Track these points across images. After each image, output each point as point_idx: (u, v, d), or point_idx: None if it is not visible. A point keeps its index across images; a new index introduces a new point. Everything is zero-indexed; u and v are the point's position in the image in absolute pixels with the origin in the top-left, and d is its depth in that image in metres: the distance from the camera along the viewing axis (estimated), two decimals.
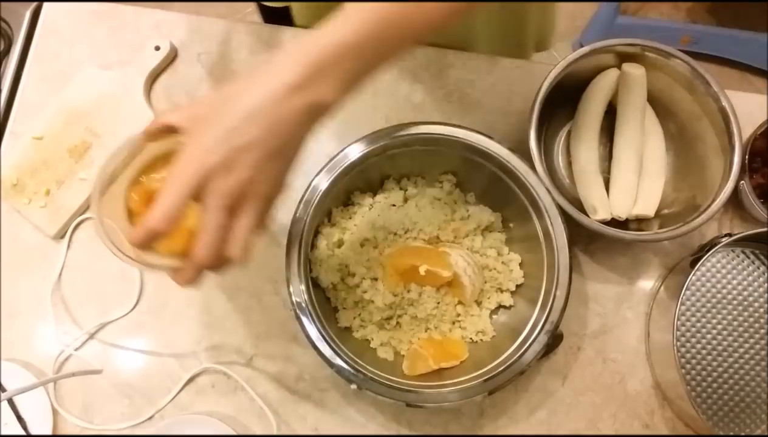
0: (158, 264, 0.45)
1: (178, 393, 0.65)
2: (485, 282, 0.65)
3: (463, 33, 0.76)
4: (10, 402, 0.63)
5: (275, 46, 0.74)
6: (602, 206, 0.67)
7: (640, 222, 0.69)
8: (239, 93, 0.38)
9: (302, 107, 0.38)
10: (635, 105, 0.68)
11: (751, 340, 0.66)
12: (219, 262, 0.41)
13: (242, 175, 0.38)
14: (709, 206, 0.62)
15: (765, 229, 0.63)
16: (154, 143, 0.45)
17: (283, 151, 0.39)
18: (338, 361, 0.56)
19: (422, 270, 0.60)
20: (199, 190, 0.38)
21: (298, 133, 0.39)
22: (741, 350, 0.66)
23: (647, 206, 0.68)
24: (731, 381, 0.65)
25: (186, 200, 0.38)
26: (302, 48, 0.38)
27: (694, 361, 0.66)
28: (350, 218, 0.66)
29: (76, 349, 0.66)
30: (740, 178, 0.64)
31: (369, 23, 0.38)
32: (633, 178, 0.68)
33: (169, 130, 0.42)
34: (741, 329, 0.66)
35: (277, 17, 0.80)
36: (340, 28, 0.38)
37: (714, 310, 0.67)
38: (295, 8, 0.76)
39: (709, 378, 0.65)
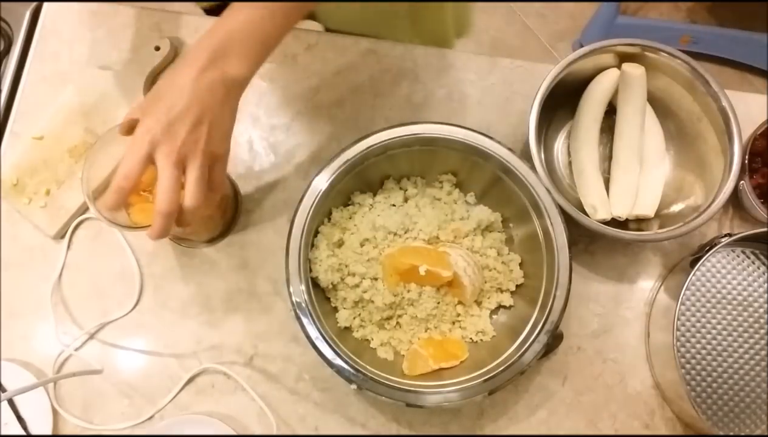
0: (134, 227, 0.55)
1: (178, 393, 0.65)
2: (485, 282, 0.65)
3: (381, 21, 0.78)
4: (10, 402, 0.63)
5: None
6: (602, 206, 0.67)
7: (640, 222, 0.69)
8: (170, 81, 0.49)
9: (212, 82, 0.48)
10: (635, 105, 0.68)
11: (751, 340, 0.66)
12: (176, 208, 0.49)
13: (180, 136, 0.48)
14: (709, 206, 0.63)
15: (765, 229, 0.63)
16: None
17: (207, 115, 0.48)
18: (338, 361, 0.56)
19: (422, 270, 0.60)
20: (151, 154, 0.47)
21: (216, 101, 0.49)
22: (741, 350, 0.66)
23: (647, 206, 0.68)
24: (731, 381, 0.65)
25: (142, 162, 0.47)
26: (207, 37, 0.48)
27: (694, 361, 0.66)
28: (350, 218, 0.66)
29: (76, 349, 0.66)
30: (740, 178, 0.64)
31: (253, 11, 0.49)
32: (633, 178, 0.68)
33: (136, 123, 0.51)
34: (741, 329, 0.66)
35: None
36: (232, 17, 0.49)
37: (714, 310, 0.67)
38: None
39: (709, 378, 0.65)
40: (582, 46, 0.67)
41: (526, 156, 0.63)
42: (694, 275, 0.63)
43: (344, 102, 0.73)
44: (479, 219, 0.65)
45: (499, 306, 0.66)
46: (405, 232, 0.65)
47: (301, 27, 0.77)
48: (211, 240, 0.68)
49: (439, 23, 0.81)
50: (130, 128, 0.50)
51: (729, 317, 0.67)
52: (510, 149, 0.62)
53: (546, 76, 0.65)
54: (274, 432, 0.63)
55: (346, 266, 0.63)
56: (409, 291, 0.62)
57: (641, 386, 0.67)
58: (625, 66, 0.68)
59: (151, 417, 0.64)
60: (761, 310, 0.67)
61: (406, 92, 0.74)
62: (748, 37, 1.57)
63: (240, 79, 0.50)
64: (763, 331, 0.66)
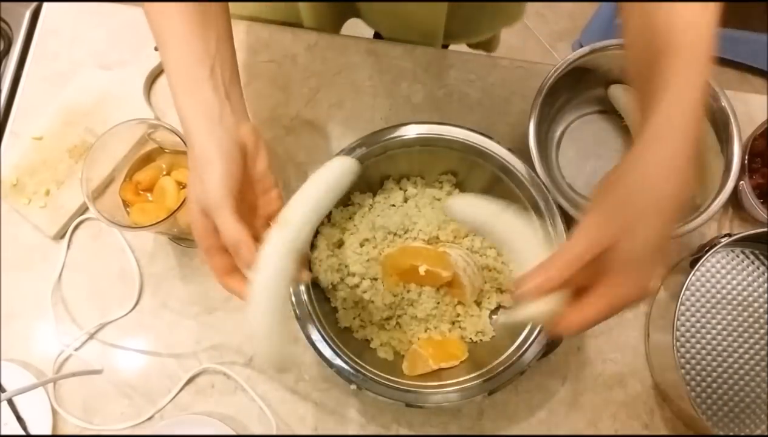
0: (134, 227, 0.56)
1: (178, 393, 0.65)
2: (485, 283, 0.65)
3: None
4: (10, 402, 0.63)
5: (275, 47, 0.74)
6: None
7: None
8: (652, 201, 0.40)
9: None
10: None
11: (751, 340, 0.66)
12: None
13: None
14: (709, 206, 0.63)
15: (765, 229, 0.63)
16: (137, 146, 0.58)
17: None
18: (338, 361, 0.56)
19: (422, 270, 0.60)
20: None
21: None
22: (741, 350, 0.66)
23: None
24: (731, 381, 0.65)
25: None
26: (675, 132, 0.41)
27: (693, 361, 0.66)
28: (350, 218, 0.66)
29: (76, 349, 0.66)
30: (740, 178, 0.64)
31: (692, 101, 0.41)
32: None
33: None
34: (741, 329, 0.66)
35: None
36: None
37: (714, 310, 0.67)
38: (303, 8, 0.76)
39: (709, 378, 0.65)
40: (582, 46, 0.67)
41: (525, 156, 0.63)
42: (693, 275, 0.63)
43: (344, 102, 0.73)
44: None
45: (499, 307, 0.66)
46: (405, 232, 0.65)
47: (351, 34, 0.77)
48: None
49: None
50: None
51: (729, 317, 0.67)
52: (510, 149, 0.62)
53: (546, 76, 0.65)
54: (274, 432, 0.63)
55: (346, 266, 0.63)
56: (408, 291, 0.62)
57: (641, 386, 0.67)
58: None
59: (151, 417, 0.64)
60: (761, 310, 0.67)
61: (406, 92, 0.74)
62: (748, 37, 1.57)
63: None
64: (763, 331, 0.66)
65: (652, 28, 0.44)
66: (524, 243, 0.47)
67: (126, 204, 0.58)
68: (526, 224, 0.48)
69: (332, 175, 0.48)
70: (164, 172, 0.60)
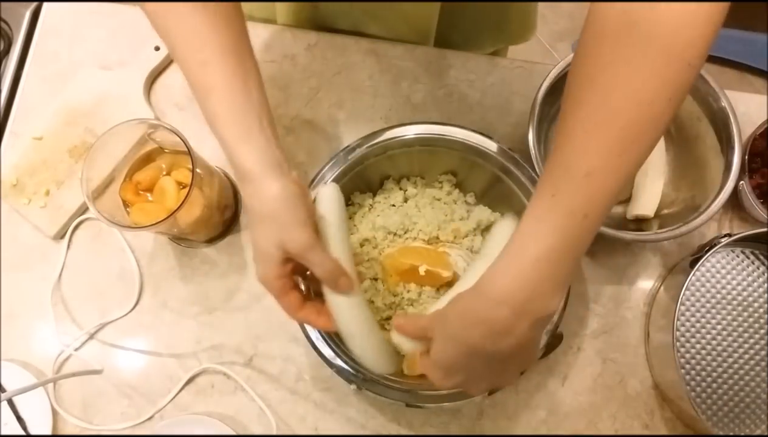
0: (134, 227, 0.57)
1: (178, 393, 0.65)
2: None
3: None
4: (10, 402, 0.63)
5: (275, 47, 0.74)
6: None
7: (639, 223, 0.69)
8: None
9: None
10: None
11: (751, 340, 0.66)
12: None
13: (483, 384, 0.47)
14: (709, 206, 0.63)
15: (765, 229, 0.63)
16: (137, 146, 0.58)
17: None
18: (338, 361, 0.56)
19: (422, 270, 0.60)
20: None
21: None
22: (741, 350, 0.66)
23: (647, 206, 0.68)
24: (731, 381, 0.65)
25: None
26: (500, 292, 0.41)
27: (693, 361, 0.66)
28: (350, 218, 0.66)
29: (76, 349, 0.66)
30: (740, 178, 0.64)
31: (554, 227, 0.39)
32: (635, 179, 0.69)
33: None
34: (741, 329, 0.66)
35: None
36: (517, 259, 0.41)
37: (714, 310, 0.67)
38: (279, 8, 0.76)
39: (709, 378, 0.65)
40: None
41: (526, 156, 0.63)
42: (693, 275, 0.63)
43: (344, 102, 0.73)
44: (479, 220, 0.65)
45: None
46: (405, 232, 0.65)
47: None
48: (211, 240, 0.68)
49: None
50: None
51: (729, 317, 0.67)
52: (510, 149, 0.62)
53: (546, 76, 0.65)
54: (274, 432, 0.63)
55: None
56: (408, 291, 0.62)
57: (641, 386, 0.67)
58: None
59: (151, 417, 0.64)
60: (761, 310, 0.67)
61: (406, 92, 0.74)
62: (748, 37, 1.57)
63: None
64: (763, 331, 0.66)
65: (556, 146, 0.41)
66: None
67: (126, 204, 0.58)
68: None
69: (336, 203, 0.52)
70: (164, 172, 0.60)
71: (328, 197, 0.52)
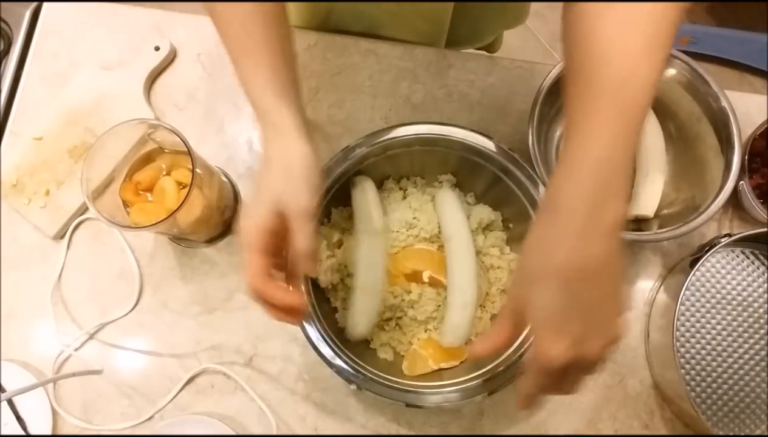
0: (134, 227, 0.57)
1: (178, 393, 0.65)
2: (491, 286, 0.65)
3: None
4: (10, 402, 0.63)
5: None
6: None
7: (639, 223, 0.69)
8: (558, 247, 0.39)
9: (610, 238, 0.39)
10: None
11: (751, 340, 0.66)
12: None
13: (596, 342, 0.40)
14: (709, 206, 0.63)
15: (764, 229, 0.63)
16: (137, 146, 0.58)
17: (617, 280, 0.41)
18: (338, 361, 0.56)
19: (425, 276, 0.61)
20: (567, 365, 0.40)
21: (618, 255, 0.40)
22: (741, 350, 0.66)
23: (647, 206, 0.68)
24: (731, 381, 0.65)
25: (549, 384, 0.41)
26: (579, 196, 0.39)
27: (693, 361, 0.66)
28: (350, 218, 0.66)
29: (76, 349, 0.66)
30: (740, 178, 0.64)
31: (612, 127, 0.39)
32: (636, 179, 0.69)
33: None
34: (741, 329, 0.66)
35: None
36: (595, 158, 0.39)
37: (714, 310, 0.67)
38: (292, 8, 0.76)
39: (709, 378, 0.65)
40: None
41: (526, 156, 0.63)
42: (693, 275, 0.63)
43: (344, 102, 0.73)
44: (480, 218, 0.65)
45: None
46: (407, 230, 0.65)
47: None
48: (211, 240, 0.68)
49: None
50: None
51: (729, 317, 0.67)
52: (510, 149, 0.62)
53: (546, 76, 0.65)
54: (274, 432, 0.63)
55: (346, 267, 0.63)
56: (409, 292, 0.62)
57: (641, 386, 0.67)
58: None
59: (151, 417, 0.64)
60: (761, 310, 0.67)
61: (405, 92, 0.74)
62: (748, 37, 1.57)
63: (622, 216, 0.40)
64: (763, 331, 0.66)
65: (589, 50, 0.40)
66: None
67: (126, 204, 0.58)
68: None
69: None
70: (164, 172, 0.60)
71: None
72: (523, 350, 0.57)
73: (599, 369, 0.41)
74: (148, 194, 0.59)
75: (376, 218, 0.62)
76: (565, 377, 0.41)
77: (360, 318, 0.60)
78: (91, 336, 0.66)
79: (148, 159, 0.60)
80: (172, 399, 0.64)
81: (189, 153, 0.54)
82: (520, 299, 0.42)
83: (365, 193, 0.63)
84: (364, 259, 0.60)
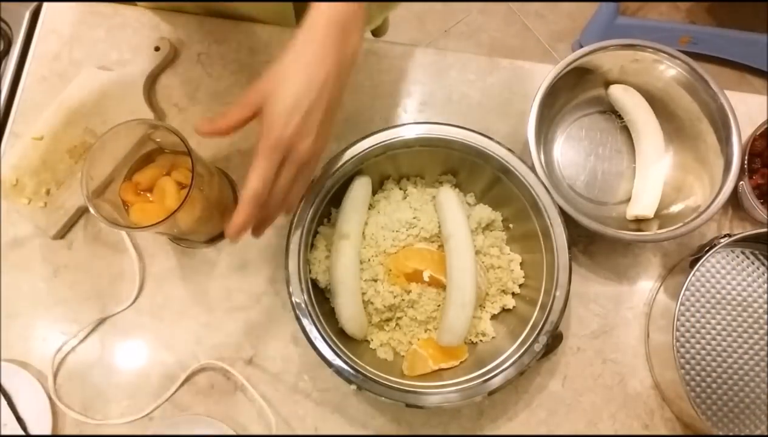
0: (133, 227, 0.57)
1: (176, 392, 0.65)
2: (491, 286, 0.65)
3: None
4: (10, 402, 0.63)
5: (275, 47, 0.74)
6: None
7: (639, 223, 0.69)
8: (291, 66, 0.47)
9: (343, 63, 0.48)
10: (643, 118, 0.70)
11: (751, 340, 0.66)
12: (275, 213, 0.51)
13: (311, 135, 0.48)
14: (709, 206, 0.63)
15: (764, 230, 0.63)
16: (137, 146, 0.58)
17: (339, 99, 0.50)
18: (338, 361, 0.56)
19: (426, 276, 0.60)
20: (286, 153, 0.47)
21: (343, 82, 0.50)
22: (741, 350, 0.66)
23: (647, 206, 0.68)
24: (731, 381, 0.65)
25: (276, 165, 0.48)
26: (326, 14, 0.47)
27: (693, 361, 0.66)
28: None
29: (76, 350, 0.66)
30: (740, 178, 0.64)
31: None
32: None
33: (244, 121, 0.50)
34: (741, 329, 0.66)
35: None
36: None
37: (714, 311, 0.67)
38: None
39: (709, 379, 0.65)
40: (582, 46, 0.67)
41: (525, 156, 0.63)
42: (693, 275, 0.63)
43: (344, 102, 0.73)
44: (480, 218, 0.65)
45: (503, 310, 0.66)
46: (406, 230, 0.65)
47: None
48: (211, 241, 0.68)
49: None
50: (234, 127, 0.49)
51: (729, 317, 0.67)
52: (510, 149, 0.62)
53: (545, 76, 0.65)
54: (274, 432, 0.63)
55: None
56: (409, 292, 0.62)
57: (641, 386, 0.67)
58: (613, 88, 0.70)
59: (150, 417, 0.64)
60: (761, 310, 0.67)
61: (406, 92, 0.74)
62: (748, 38, 1.57)
63: (359, 50, 0.50)
64: (762, 331, 0.66)
65: None
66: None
67: (126, 204, 0.58)
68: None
69: (361, 191, 0.64)
70: (164, 172, 0.60)
71: (359, 185, 0.63)
72: (523, 350, 0.57)
73: (307, 172, 0.51)
74: (148, 194, 0.59)
75: (348, 222, 0.61)
76: (280, 174, 0.48)
77: (345, 322, 0.61)
78: (90, 334, 0.66)
79: (148, 159, 0.60)
80: (171, 399, 0.64)
81: (189, 153, 0.54)
82: (265, 93, 0.47)
83: (350, 196, 0.63)
84: (334, 263, 0.60)
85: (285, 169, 0.48)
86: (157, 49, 0.72)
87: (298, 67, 0.46)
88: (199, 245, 0.68)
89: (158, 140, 0.59)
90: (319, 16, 0.46)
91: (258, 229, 0.54)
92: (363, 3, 0.47)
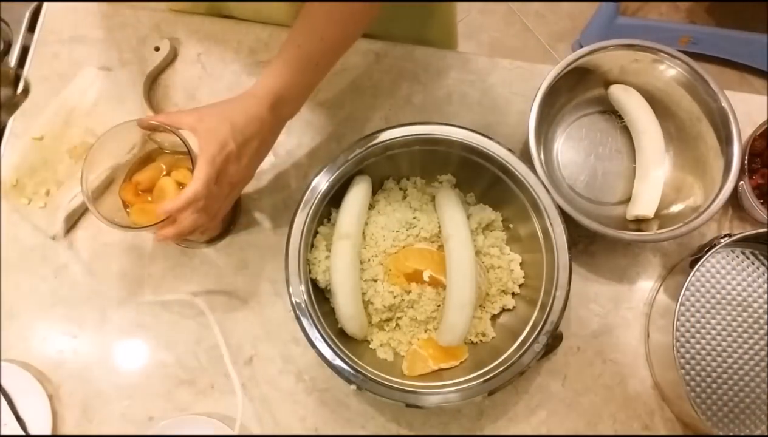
0: (133, 227, 0.57)
1: (178, 393, 0.65)
2: (491, 286, 0.65)
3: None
4: (10, 402, 0.63)
5: (275, 47, 0.74)
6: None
7: (639, 223, 0.69)
8: (241, 109, 0.54)
9: (275, 119, 0.56)
10: (642, 118, 0.70)
11: (751, 340, 0.66)
12: (201, 228, 0.54)
13: (245, 159, 0.54)
14: (709, 206, 0.63)
15: (764, 230, 0.63)
16: (137, 147, 0.59)
17: (264, 145, 0.56)
18: (338, 361, 0.56)
19: (426, 276, 0.60)
20: (220, 172, 0.52)
21: (272, 135, 0.58)
22: (741, 350, 0.66)
23: (647, 206, 0.68)
24: (731, 382, 0.65)
25: (212, 181, 0.52)
26: (265, 86, 0.55)
27: (693, 361, 0.66)
28: None
29: (76, 349, 0.66)
30: (740, 178, 0.64)
31: (292, 66, 0.55)
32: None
33: (166, 128, 0.54)
34: (741, 329, 0.66)
35: None
36: (274, 77, 0.55)
37: (714, 310, 0.67)
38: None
39: (709, 379, 0.65)
40: (582, 46, 0.67)
41: (525, 156, 0.63)
42: (693, 275, 0.63)
43: (344, 102, 0.73)
44: (480, 218, 0.65)
45: (503, 310, 0.66)
46: (406, 230, 0.65)
47: None
48: (211, 241, 0.68)
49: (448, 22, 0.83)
50: (154, 127, 0.55)
51: (729, 317, 0.67)
52: (510, 149, 0.62)
53: (545, 76, 0.65)
54: (274, 432, 0.63)
55: None
56: (409, 292, 0.62)
57: (641, 386, 0.67)
58: (613, 88, 0.70)
59: (151, 417, 0.64)
60: (761, 310, 0.67)
61: (406, 92, 0.74)
62: (748, 38, 1.57)
63: (290, 117, 0.59)
64: (762, 331, 0.66)
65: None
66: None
67: (126, 204, 0.59)
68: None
69: (361, 191, 0.63)
70: (164, 173, 0.60)
71: (359, 185, 0.64)
72: (523, 350, 0.57)
73: (233, 193, 0.56)
74: (148, 195, 0.59)
75: (348, 222, 0.62)
76: (215, 191, 0.52)
77: (345, 322, 0.61)
78: (90, 335, 0.66)
79: (148, 159, 0.60)
80: (171, 399, 0.64)
81: (189, 153, 0.54)
82: (199, 124, 0.52)
83: (350, 196, 0.63)
84: (333, 263, 0.60)
85: (218, 184, 0.53)
86: (157, 49, 0.72)
87: (243, 108, 0.54)
88: (199, 245, 0.68)
89: (158, 140, 0.59)
90: (261, 88, 0.55)
91: (181, 234, 0.55)
92: (297, 83, 0.56)
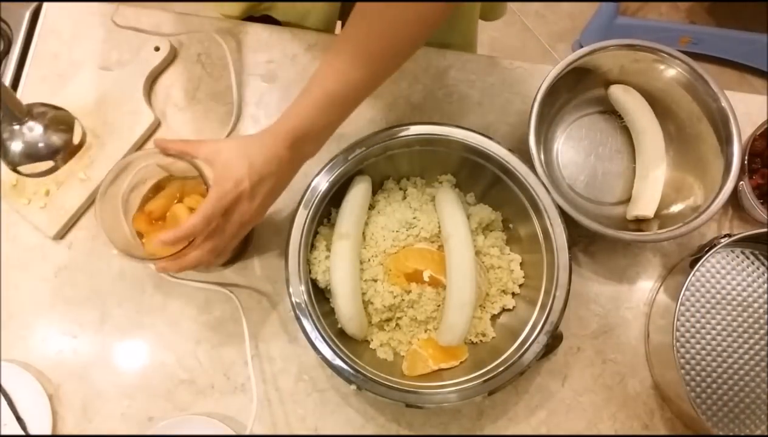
0: (151, 258, 0.55)
1: (178, 393, 0.65)
2: (491, 286, 0.65)
3: None
4: (10, 402, 0.63)
5: (275, 47, 0.74)
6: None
7: (639, 223, 0.69)
8: (259, 147, 0.53)
9: (294, 158, 0.55)
10: (642, 118, 0.70)
11: (751, 340, 0.66)
12: (206, 263, 0.54)
13: (258, 198, 0.53)
14: (709, 206, 0.63)
15: (764, 230, 0.63)
16: (147, 177, 0.58)
17: (279, 185, 0.55)
18: (338, 361, 0.56)
19: (426, 276, 0.60)
20: (231, 206, 0.52)
21: (289, 174, 0.56)
22: (741, 350, 0.66)
23: (647, 206, 0.68)
24: (731, 382, 0.65)
25: (217, 217, 0.51)
26: (286, 124, 0.54)
27: (693, 362, 0.66)
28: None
29: (76, 349, 0.66)
30: (740, 178, 0.64)
31: (316, 105, 0.54)
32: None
33: (182, 155, 0.54)
34: (741, 329, 0.66)
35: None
36: (297, 116, 0.54)
37: (714, 311, 0.67)
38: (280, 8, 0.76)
39: (709, 379, 0.65)
40: (582, 46, 0.67)
41: (525, 156, 0.63)
42: (693, 275, 0.63)
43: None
44: (480, 218, 0.65)
45: (503, 310, 0.66)
46: (406, 230, 0.65)
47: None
48: (226, 264, 0.67)
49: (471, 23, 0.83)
50: (171, 154, 0.54)
51: (729, 317, 0.67)
52: (510, 149, 0.62)
53: (545, 76, 0.65)
54: (274, 432, 0.63)
55: None
56: (409, 292, 0.62)
57: (641, 386, 0.67)
58: (613, 88, 0.70)
59: (151, 418, 0.64)
60: (761, 310, 0.67)
61: (405, 92, 0.74)
62: (748, 38, 1.57)
63: (311, 157, 0.58)
64: (762, 331, 0.66)
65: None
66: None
67: (140, 235, 0.57)
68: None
69: (361, 191, 0.64)
70: (176, 200, 0.58)
71: (358, 185, 0.64)
72: (523, 350, 0.57)
73: (241, 232, 0.54)
74: (163, 223, 0.58)
75: (348, 222, 0.62)
76: (223, 223, 0.52)
77: (346, 322, 0.60)
78: (90, 335, 0.66)
79: (158, 187, 0.58)
80: (171, 399, 0.64)
81: (201, 176, 0.53)
82: (222, 151, 0.52)
83: (350, 196, 0.63)
84: (333, 263, 0.60)
85: (227, 221, 0.53)
86: (157, 49, 0.72)
87: (262, 145, 0.53)
88: (215, 269, 0.68)
89: (164, 164, 0.58)
90: (282, 125, 0.54)
91: (183, 269, 0.54)
92: (320, 122, 0.55)
